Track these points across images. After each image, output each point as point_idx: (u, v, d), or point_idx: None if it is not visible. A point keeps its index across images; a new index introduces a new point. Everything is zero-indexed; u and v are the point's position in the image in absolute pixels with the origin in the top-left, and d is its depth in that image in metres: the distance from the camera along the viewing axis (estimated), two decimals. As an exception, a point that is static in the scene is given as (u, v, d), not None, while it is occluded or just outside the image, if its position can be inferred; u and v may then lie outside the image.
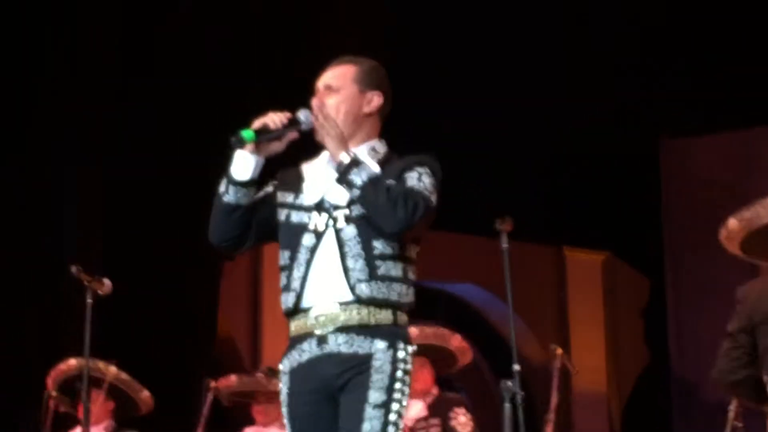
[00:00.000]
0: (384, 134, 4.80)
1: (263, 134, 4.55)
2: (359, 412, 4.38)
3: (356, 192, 4.37)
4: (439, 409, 8.36)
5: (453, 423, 8.25)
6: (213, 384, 8.81)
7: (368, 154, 4.60)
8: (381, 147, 4.71)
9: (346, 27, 11.54)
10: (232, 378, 8.95)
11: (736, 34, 12.33)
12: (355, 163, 4.41)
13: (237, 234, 4.65)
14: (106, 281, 7.41)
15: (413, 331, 8.12)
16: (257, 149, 4.56)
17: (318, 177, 4.62)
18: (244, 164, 4.57)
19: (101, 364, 8.24)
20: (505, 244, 6.81)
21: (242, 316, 13.09)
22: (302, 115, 4.59)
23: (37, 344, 10.47)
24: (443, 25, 12.64)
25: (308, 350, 4.49)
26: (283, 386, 4.55)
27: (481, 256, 12.43)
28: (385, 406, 4.39)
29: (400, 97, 4.85)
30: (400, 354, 4.48)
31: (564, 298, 14.26)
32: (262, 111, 4.61)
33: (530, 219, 9.72)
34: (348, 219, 4.49)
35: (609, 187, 13.59)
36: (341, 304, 4.44)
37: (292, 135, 4.60)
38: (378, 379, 4.41)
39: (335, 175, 4.49)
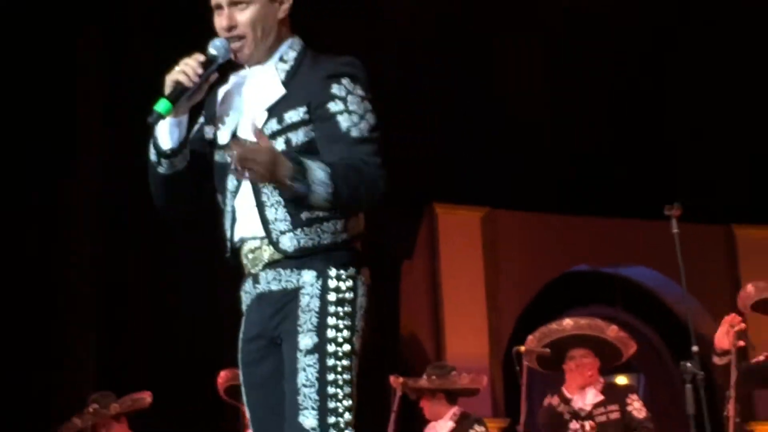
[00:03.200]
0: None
1: (180, 95, 3.74)
2: (293, 364, 3.67)
3: (326, 206, 3.64)
4: (615, 396, 8.24)
5: (630, 409, 8.14)
6: (403, 381, 8.77)
7: (275, 70, 3.86)
8: (291, 52, 3.90)
9: None
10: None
11: None
12: (307, 187, 3.55)
13: (192, 193, 4.00)
14: None
15: (566, 323, 8.16)
16: (178, 112, 3.80)
17: (231, 107, 3.92)
18: (167, 132, 3.84)
19: None
20: (675, 229, 6.58)
21: (424, 314, 13.11)
22: (214, 49, 3.81)
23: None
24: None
25: (249, 292, 3.87)
26: (240, 330, 3.94)
27: (653, 240, 12.24)
28: (318, 350, 3.66)
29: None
30: (331, 282, 3.72)
31: (737, 276, 13.99)
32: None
33: (699, 200, 9.52)
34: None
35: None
36: (263, 239, 3.79)
37: (213, 77, 3.83)
38: (306, 320, 3.68)
39: (248, 100, 3.88)
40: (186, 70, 3.77)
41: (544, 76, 13.22)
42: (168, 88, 3.76)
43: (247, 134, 3.78)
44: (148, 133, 3.92)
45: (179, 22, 10.36)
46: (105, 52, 11.33)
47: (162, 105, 3.72)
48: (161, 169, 3.90)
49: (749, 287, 7.61)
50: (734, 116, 13.13)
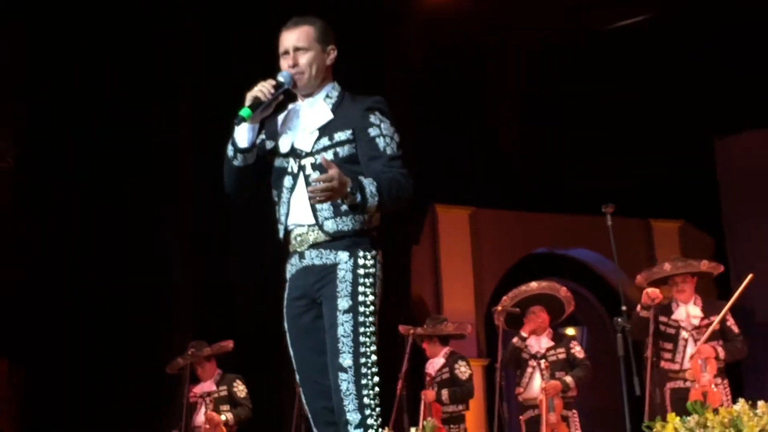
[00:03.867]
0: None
1: (258, 107, 3.79)
2: (333, 320, 3.70)
3: (373, 211, 3.72)
4: (561, 342, 8.36)
5: (573, 351, 8.25)
6: (411, 331, 8.75)
7: (323, 102, 3.91)
8: (334, 92, 3.94)
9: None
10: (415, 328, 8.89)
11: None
12: (363, 197, 3.61)
13: (254, 183, 4.02)
14: None
15: (532, 285, 8.25)
16: (254, 120, 3.84)
17: (290, 126, 3.94)
18: (245, 134, 3.86)
19: None
20: (609, 222, 6.51)
21: (428, 283, 13.10)
22: (282, 77, 3.86)
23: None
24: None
25: (295, 264, 3.85)
26: (285, 292, 3.94)
27: (593, 229, 12.16)
28: (352, 310, 3.69)
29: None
30: (360, 261, 3.74)
31: (653, 255, 13.92)
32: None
33: (626, 200, 9.45)
34: (314, 166, 3.80)
35: (680, 172, 13.31)
36: (309, 226, 3.80)
37: (279, 98, 3.88)
38: (343, 288, 3.70)
39: (304, 122, 3.91)
40: (262, 89, 3.82)
41: (518, 118, 13.19)
42: (248, 101, 3.80)
43: (302, 145, 3.88)
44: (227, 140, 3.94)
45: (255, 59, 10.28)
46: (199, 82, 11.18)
47: (244, 112, 3.78)
48: (236, 162, 3.91)
49: (666, 264, 7.59)
50: (654, 140, 13.08)
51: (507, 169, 13.18)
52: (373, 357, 3.70)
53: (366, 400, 3.67)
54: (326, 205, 3.74)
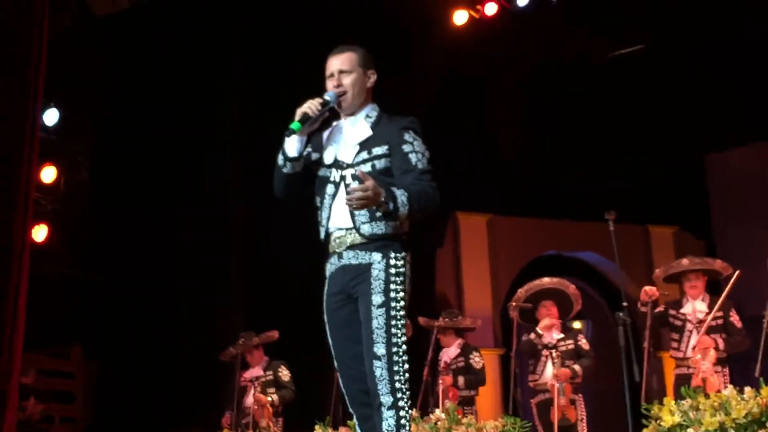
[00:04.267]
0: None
1: (306, 121, 3.80)
2: (368, 313, 3.70)
3: (404, 218, 3.74)
4: (570, 334, 8.37)
5: (580, 343, 8.24)
6: (434, 324, 8.76)
7: (364, 120, 3.94)
8: (373, 112, 3.98)
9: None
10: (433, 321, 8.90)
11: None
12: (395, 206, 3.64)
13: (299, 189, 3.97)
14: None
15: (544, 280, 8.28)
16: (302, 132, 3.87)
17: (334, 141, 3.97)
18: (294, 145, 3.89)
19: None
20: (611, 227, 6.53)
21: (450, 281, 13.09)
22: (328, 96, 3.90)
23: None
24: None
25: (334, 263, 3.85)
26: (325, 288, 3.93)
27: (597, 234, 12.11)
28: (385, 305, 3.70)
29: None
30: (392, 261, 3.75)
31: (650, 258, 13.84)
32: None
33: (627, 208, 9.39)
34: (353, 177, 3.82)
35: (675, 183, 13.23)
36: (347, 230, 3.81)
37: (325, 115, 3.91)
38: (377, 285, 3.71)
39: (346, 137, 3.93)
40: (311, 105, 3.85)
41: (526, 132, 13.11)
42: (298, 116, 3.83)
43: (344, 158, 3.91)
44: (277, 148, 3.97)
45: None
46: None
47: (294, 125, 3.81)
48: (285, 170, 3.95)
49: (684, 260, 7.58)
50: (652, 155, 12.99)
51: (521, 182, 13.15)
52: (404, 346, 3.72)
53: (397, 385, 3.68)
54: (363, 211, 3.76)
